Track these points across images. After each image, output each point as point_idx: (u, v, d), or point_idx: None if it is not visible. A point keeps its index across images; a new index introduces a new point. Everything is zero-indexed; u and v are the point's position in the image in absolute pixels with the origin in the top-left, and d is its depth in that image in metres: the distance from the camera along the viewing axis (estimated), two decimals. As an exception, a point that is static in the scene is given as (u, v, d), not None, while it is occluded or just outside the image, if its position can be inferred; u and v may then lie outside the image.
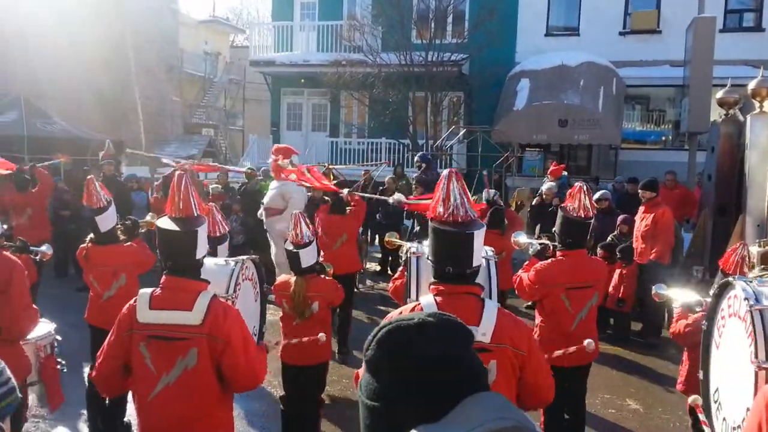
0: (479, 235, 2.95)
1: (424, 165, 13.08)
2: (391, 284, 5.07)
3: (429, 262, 3.07)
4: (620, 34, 19.43)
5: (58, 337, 5.02)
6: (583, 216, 4.99)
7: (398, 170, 15.28)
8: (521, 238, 6.04)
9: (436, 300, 2.92)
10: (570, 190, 5.20)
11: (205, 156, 24.66)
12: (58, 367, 4.67)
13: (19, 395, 1.95)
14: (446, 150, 18.92)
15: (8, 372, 1.92)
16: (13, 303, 3.87)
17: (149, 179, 16.19)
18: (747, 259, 4.56)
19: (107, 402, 5.54)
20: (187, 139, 25.06)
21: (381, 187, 13.48)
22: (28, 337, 4.50)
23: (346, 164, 18.73)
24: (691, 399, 3.72)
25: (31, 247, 5.51)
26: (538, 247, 5.60)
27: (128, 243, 6.06)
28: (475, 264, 2.96)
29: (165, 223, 3.31)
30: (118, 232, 6.06)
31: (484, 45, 17.83)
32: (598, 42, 18.77)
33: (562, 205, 5.25)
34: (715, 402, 3.55)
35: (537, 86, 17.73)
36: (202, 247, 3.36)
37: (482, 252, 3.09)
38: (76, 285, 9.53)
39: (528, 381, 2.95)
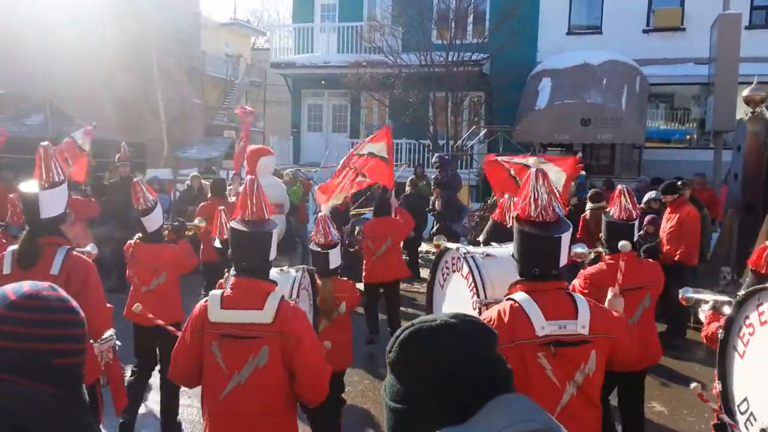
0: (566, 238, 2.96)
1: (440, 166, 13.04)
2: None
3: (491, 260, 3.07)
4: (644, 31, 19.23)
5: (119, 342, 5.08)
6: (625, 218, 4.99)
7: (419, 171, 15.22)
8: (579, 248, 6.04)
9: (531, 296, 2.92)
10: (612, 194, 5.18)
11: (227, 158, 24.72)
12: (121, 371, 4.71)
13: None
14: (467, 150, 18.85)
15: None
16: (91, 302, 3.91)
17: (172, 181, 16.31)
18: None
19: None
20: (209, 141, 25.11)
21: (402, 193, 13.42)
22: (91, 340, 4.56)
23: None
24: (692, 386, 3.67)
25: (77, 249, 5.60)
26: (593, 257, 5.54)
27: (173, 244, 6.23)
28: (561, 265, 2.98)
29: (238, 224, 3.43)
30: (165, 232, 6.27)
31: (505, 44, 17.72)
32: (621, 40, 18.59)
33: (605, 210, 5.24)
34: (743, 413, 3.44)
35: (559, 85, 17.59)
36: (274, 248, 3.48)
37: (567, 251, 3.09)
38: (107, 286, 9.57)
39: (619, 359, 3.02)
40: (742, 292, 3.59)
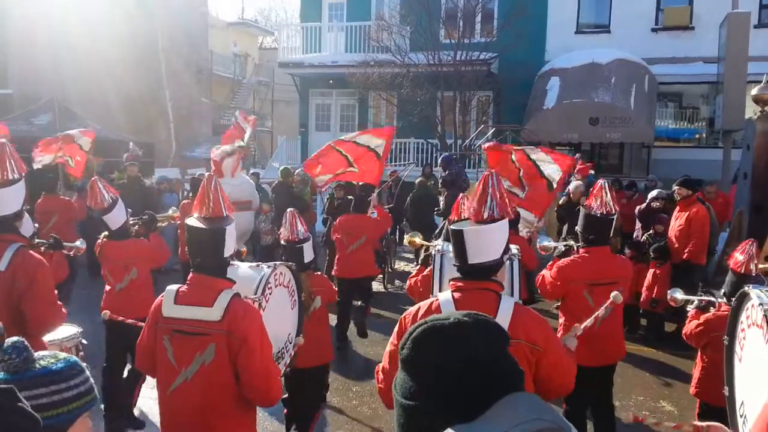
0: (491, 230, 3.03)
1: (444, 165, 13.05)
2: (408, 282, 5.07)
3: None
4: (652, 30, 19.16)
5: (84, 341, 5.17)
6: (605, 213, 5.00)
7: (427, 170, 15.23)
8: (545, 242, 6.07)
9: (453, 296, 3.00)
10: (592, 188, 5.19)
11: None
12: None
13: (97, 394, 2.03)
14: (475, 150, 18.83)
15: (87, 372, 2.01)
16: (37, 299, 3.92)
17: (180, 180, 16.36)
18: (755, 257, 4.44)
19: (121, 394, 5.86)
20: (217, 140, 25.11)
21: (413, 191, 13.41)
22: (54, 338, 4.58)
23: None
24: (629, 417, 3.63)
25: (65, 243, 5.61)
26: (563, 249, 5.56)
27: (144, 238, 6.19)
28: (489, 259, 3.01)
29: (194, 221, 3.40)
30: (137, 226, 6.23)
31: (514, 43, 17.67)
32: (630, 39, 18.54)
33: (585, 203, 5.24)
34: (741, 416, 3.45)
35: (567, 84, 17.56)
36: (230, 246, 3.42)
37: (500, 246, 3.09)
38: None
39: (542, 377, 2.97)
40: (734, 300, 3.59)
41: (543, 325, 3.01)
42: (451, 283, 3.08)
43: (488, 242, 3.03)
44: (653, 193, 9.99)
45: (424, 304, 3.08)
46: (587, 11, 20.04)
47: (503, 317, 2.88)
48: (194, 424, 3.25)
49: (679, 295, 4.66)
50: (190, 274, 3.41)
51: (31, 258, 4.03)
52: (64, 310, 4.23)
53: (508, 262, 3.48)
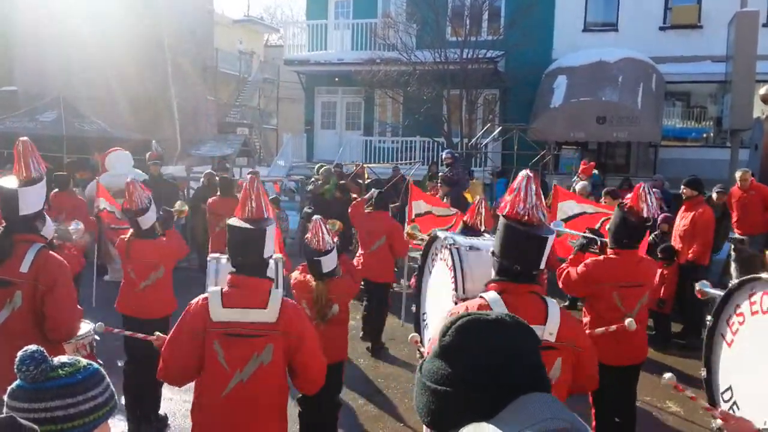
0: (551, 240, 3.02)
1: (451, 162, 12.98)
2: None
3: (475, 253, 3.11)
4: (660, 29, 19.05)
5: (97, 337, 5.12)
6: (644, 218, 4.96)
7: (432, 168, 15.18)
8: (561, 229, 6.05)
9: (503, 297, 2.95)
10: (634, 191, 5.07)
11: (240, 155, 24.81)
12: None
13: (116, 401, 2.02)
14: (481, 148, 18.78)
15: (107, 380, 1.99)
16: (57, 302, 3.88)
17: (185, 178, 16.35)
18: None
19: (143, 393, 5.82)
20: (222, 138, 25.18)
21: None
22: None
23: (380, 163, 18.71)
24: (668, 376, 3.61)
25: (65, 227, 5.64)
26: (583, 241, 5.47)
27: (163, 234, 6.19)
28: (541, 267, 3.02)
29: (237, 222, 3.48)
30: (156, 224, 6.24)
31: (520, 41, 17.61)
32: (638, 37, 18.44)
33: (625, 205, 5.13)
34: (727, 401, 3.43)
35: (574, 83, 17.46)
36: (270, 246, 3.50)
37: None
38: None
39: (579, 374, 3.08)
40: (735, 281, 3.56)
41: (582, 327, 3.21)
42: (494, 283, 3.04)
43: (549, 249, 3.05)
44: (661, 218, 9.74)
45: (472, 305, 3.02)
46: (595, 9, 19.94)
47: (553, 321, 2.93)
48: (248, 425, 3.33)
49: (709, 289, 4.58)
50: (230, 276, 3.43)
51: (54, 260, 4.00)
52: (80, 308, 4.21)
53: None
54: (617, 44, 18.60)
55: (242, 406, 3.30)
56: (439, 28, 18.47)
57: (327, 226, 5.11)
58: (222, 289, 3.39)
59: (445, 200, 12.45)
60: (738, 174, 10.50)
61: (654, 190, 5.32)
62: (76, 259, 5.79)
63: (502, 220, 3.05)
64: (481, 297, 3.03)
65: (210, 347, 3.30)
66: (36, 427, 1.68)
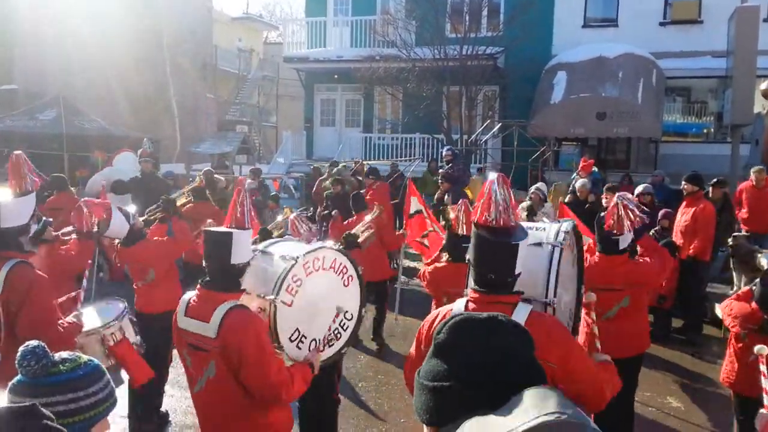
0: (523, 246, 2.87)
1: (452, 159, 12.95)
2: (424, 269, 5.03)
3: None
4: (660, 24, 19.01)
5: (130, 318, 4.59)
6: (617, 233, 5.00)
7: (432, 165, 15.15)
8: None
9: (468, 306, 2.87)
10: (608, 212, 5.08)
11: (240, 153, 24.77)
12: (135, 348, 4.40)
13: (116, 397, 2.04)
14: (481, 145, 18.74)
15: (107, 376, 2.02)
16: (32, 318, 3.69)
17: (185, 176, 16.33)
18: None
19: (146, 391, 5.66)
20: (221, 136, 25.13)
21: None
22: (92, 327, 4.20)
23: (380, 160, 18.68)
24: (757, 348, 3.67)
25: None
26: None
27: (166, 223, 6.29)
28: (516, 272, 2.85)
29: (210, 228, 3.61)
30: (157, 214, 6.34)
31: (520, 38, 17.56)
32: (638, 33, 18.38)
33: (602, 216, 5.20)
34: None
35: (574, 79, 17.41)
36: (240, 254, 3.36)
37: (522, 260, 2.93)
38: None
39: (569, 392, 2.78)
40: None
41: (560, 339, 2.75)
42: (470, 292, 2.91)
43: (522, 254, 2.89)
44: (640, 188, 9.82)
45: (442, 311, 3.00)
46: (594, 5, 19.88)
47: None
48: (216, 425, 3.36)
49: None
50: (198, 287, 3.37)
51: (25, 275, 3.78)
52: (66, 324, 3.88)
53: (549, 248, 3.20)
54: (617, 40, 18.54)
55: (207, 408, 3.37)
56: (439, 24, 18.42)
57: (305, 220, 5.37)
58: (191, 297, 3.37)
59: (446, 197, 12.45)
60: (754, 172, 10.45)
61: (631, 196, 5.28)
62: (77, 257, 5.69)
63: (473, 228, 2.94)
64: (450, 308, 2.97)
65: (181, 351, 3.41)
66: (53, 416, 1.69)
